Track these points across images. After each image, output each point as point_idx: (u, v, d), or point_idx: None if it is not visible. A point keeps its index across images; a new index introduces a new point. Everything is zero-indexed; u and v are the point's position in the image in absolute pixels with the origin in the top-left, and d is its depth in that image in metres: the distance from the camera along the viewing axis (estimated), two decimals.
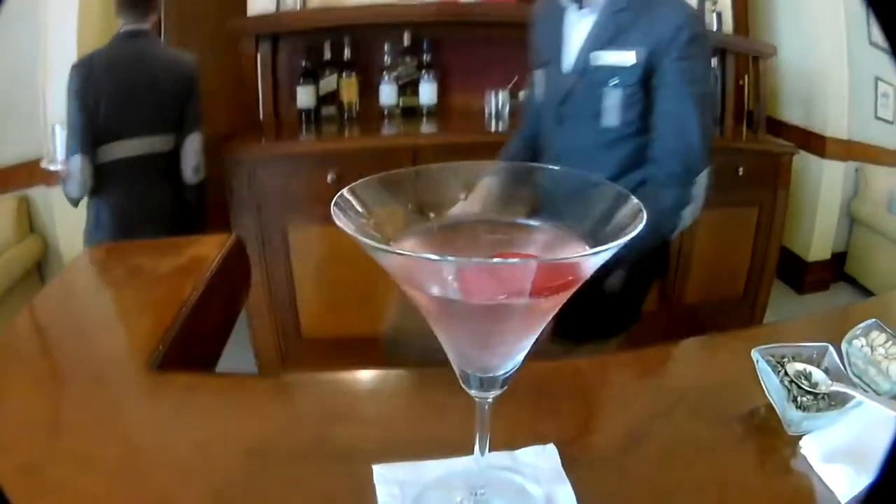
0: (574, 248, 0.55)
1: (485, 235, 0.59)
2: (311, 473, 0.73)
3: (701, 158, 1.35)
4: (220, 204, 2.37)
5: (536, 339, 0.55)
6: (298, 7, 2.65)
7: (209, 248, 1.25)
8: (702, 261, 2.66)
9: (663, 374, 0.91)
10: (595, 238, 0.54)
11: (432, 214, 0.60)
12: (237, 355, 1.39)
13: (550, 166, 0.65)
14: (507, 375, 0.57)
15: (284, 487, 0.71)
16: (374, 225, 0.55)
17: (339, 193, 0.52)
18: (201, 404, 0.85)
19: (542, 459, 0.74)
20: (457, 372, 0.58)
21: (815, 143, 2.99)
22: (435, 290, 0.48)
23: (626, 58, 1.30)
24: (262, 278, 2.42)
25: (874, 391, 0.76)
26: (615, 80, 1.33)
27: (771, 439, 0.76)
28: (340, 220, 0.50)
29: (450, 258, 0.48)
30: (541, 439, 0.77)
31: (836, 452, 0.70)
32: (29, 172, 2.53)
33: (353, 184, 0.55)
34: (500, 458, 0.74)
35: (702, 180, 1.38)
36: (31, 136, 2.48)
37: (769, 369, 0.78)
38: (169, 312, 1.01)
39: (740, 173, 2.58)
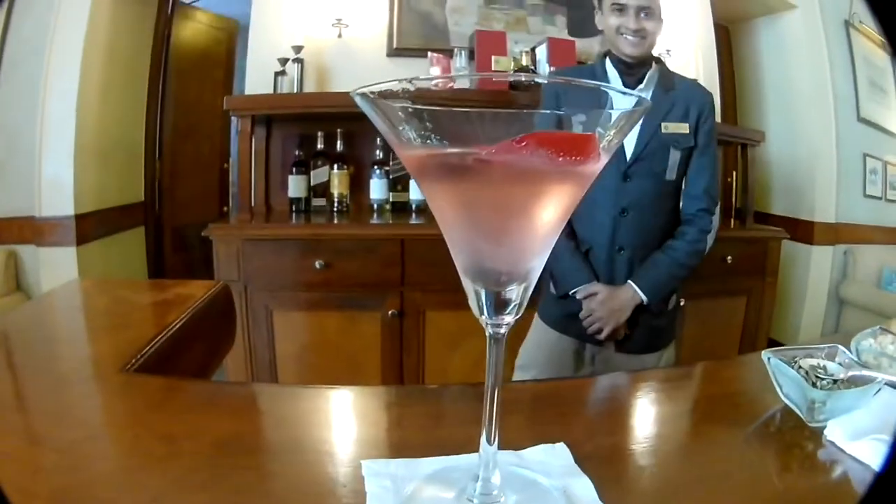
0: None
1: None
2: (290, 466, 0.65)
3: (718, 194, 1.81)
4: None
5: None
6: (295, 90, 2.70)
7: (196, 289, 1.21)
8: (690, 348, 2.63)
9: (671, 389, 0.85)
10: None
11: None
12: None
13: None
14: (520, 301, 0.52)
15: (258, 478, 0.63)
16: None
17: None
18: (176, 403, 0.78)
19: (552, 457, 0.67)
20: (470, 296, 0.53)
21: (802, 231, 3.03)
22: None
23: (683, 128, 1.73)
24: (245, 356, 2.35)
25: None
26: (677, 144, 1.72)
27: (793, 436, 0.70)
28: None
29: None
30: (548, 438, 0.70)
31: (862, 431, 0.66)
32: (20, 228, 2.49)
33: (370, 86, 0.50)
34: (506, 456, 0.67)
35: (717, 215, 1.78)
36: (24, 192, 2.45)
37: (782, 364, 0.74)
38: (149, 333, 0.95)
39: (728, 261, 2.60)
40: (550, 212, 0.48)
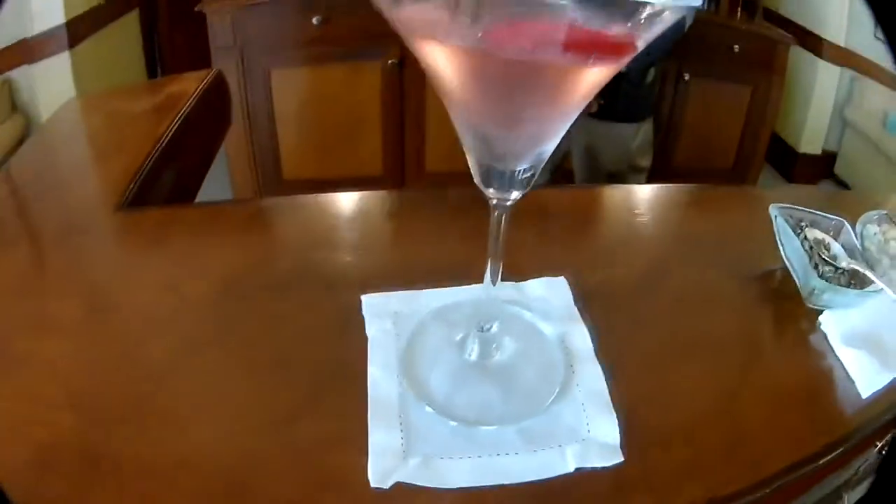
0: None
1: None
2: (291, 308, 0.65)
3: None
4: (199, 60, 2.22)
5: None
6: None
7: (189, 84, 1.14)
8: (693, 130, 2.62)
9: (680, 215, 0.83)
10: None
11: None
12: (215, 197, 1.31)
13: None
14: (530, 174, 0.48)
15: (262, 324, 0.63)
16: None
17: None
18: (172, 240, 0.76)
19: (552, 293, 0.67)
20: (474, 168, 0.48)
21: (811, 42, 2.86)
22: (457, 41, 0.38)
23: None
24: (243, 120, 2.32)
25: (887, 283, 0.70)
26: None
27: (789, 305, 0.70)
28: None
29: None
30: (550, 270, 0.70)
31: (856, 337, 0.65)
32: (12, 54, 2.35)
33: None
34: (507, 289, 0.67)
35: None
36: (16, 18, 2.29)
37: (789, 230, 0.72)
38: (142, 150, 0.91)
39: (735, 50, 2.50)
40: (572, 97, 0.42)
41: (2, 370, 0.58)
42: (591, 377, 0.59)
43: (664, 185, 0.91)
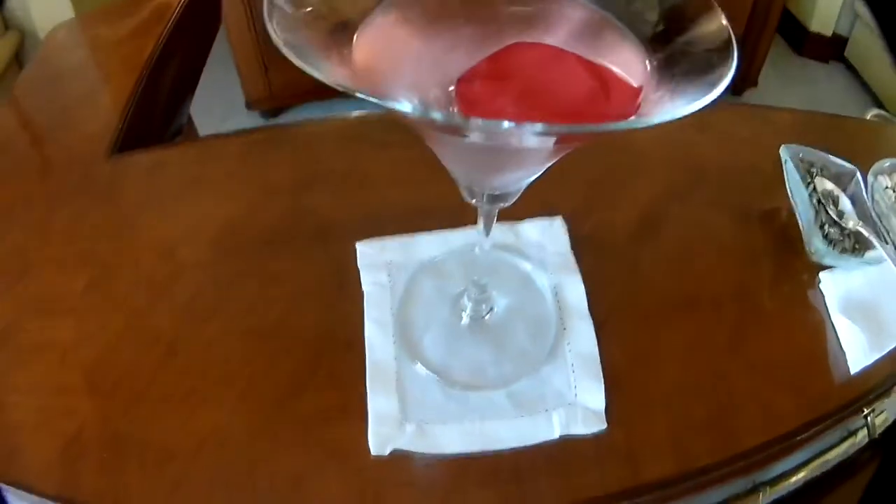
0: (611, 35, 0.42)
1: (496, 8, 0.45)
2: (287, 264, 0.65)
3: None
4: None
5: None
6: None
7: None
8: None
9: (682, 145, 0.80)
10: (638, 25, 0.41)
11: None
12: (217, 65, 1.27)
13: None
14: (518, 193, 0.47)
15: (259, 286, 0.64)
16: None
17: None
18: (164, 191, 0.75)
19: (548, 238, 0.67)
20: (463, 190, 0.48)
21: None
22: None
23: None
24: None
25: (893, 243, 0.69)
26: None
27: (790, 256, 0.69)
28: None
29: (436, 114, 0.34)
30: (547, 207, 0.69)
31: (853, 305, 0.64)
32: None
33: None
34: (502, 231, 0.67)
35: None
36: None
37: (798, 178, 0.70)
38: (128, 83, 0.87)
39: None
40: (560, 152, 0.41)
41: (15, 360, 0.59)
42: (583, 336, 0.60)
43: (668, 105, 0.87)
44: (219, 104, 2.21)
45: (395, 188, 0.73)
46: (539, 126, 0.31)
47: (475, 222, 0.53)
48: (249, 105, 2.44)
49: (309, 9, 0.39)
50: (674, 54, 0.40)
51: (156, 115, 0.96)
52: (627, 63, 0.41)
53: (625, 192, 0.74)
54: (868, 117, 1.84)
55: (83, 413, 0.55)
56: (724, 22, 0.38)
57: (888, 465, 0.75)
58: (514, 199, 0.48)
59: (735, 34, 0.37)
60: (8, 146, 0.82)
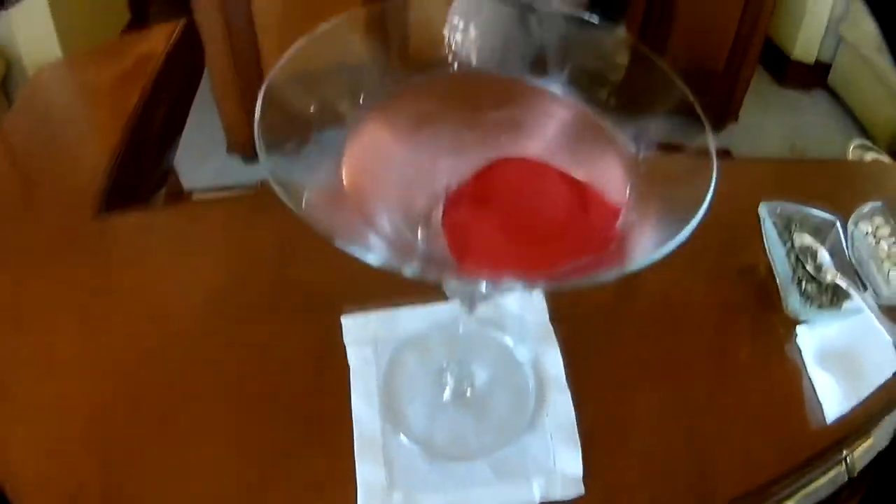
0: (596, 133, 0.45)
1: (480, 111, 0.47)
2: (274, 334, 0.67)
3: None
4: None
5: None
6: None
7: (157, 42, 1.10)
8: (684, 29, 2.50)
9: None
10: (622, 113, 0.44)
11: (406, 68, 0.48)
12: (198, 109, 1.29)
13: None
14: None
15: (248, 355, 0.66)
16: (318, 101, 0.42)
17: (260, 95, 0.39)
18: (152, 252, 0.76)
19: (527, 310, 0.69)
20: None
21: None
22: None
23: None
24: (223, 26, 2.23)
25: (873, 290, 0.72)
26: None
27: (768, 313, 0.71)
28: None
29: (408, 269, 0.36)
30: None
31: (830, 357, 0.67)
32: None
33: (279, 63, 0.41)
34: (483, 304, 0.69)
35: None
36: None
37: (776, 237, 0.73)
38: (115, 131, 0.89)
39: None
40: None
41: (12, 414, 0.61)
42: (561, 406, 0.62)
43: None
44: (199, 146, 2.22)
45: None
46: (519, 283, 0.33)
47: None
48: (230, 148, 2.46)
49: (299, 118, 0.41)
50: (654, 165, 0.42)
51: (143, 164, 0.98)
52: (609, 170, 0.43)
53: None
54: (851, 148, 1.88)
55: (84, 471, 0.57)
56: (711, 139, 0.40)
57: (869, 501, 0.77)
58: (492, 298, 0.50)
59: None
60: None
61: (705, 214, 0.37)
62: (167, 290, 0.72)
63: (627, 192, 0.43)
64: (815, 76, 2.94)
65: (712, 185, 0.39)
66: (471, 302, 0.51)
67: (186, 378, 0.64)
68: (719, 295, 0.73)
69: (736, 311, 0.72)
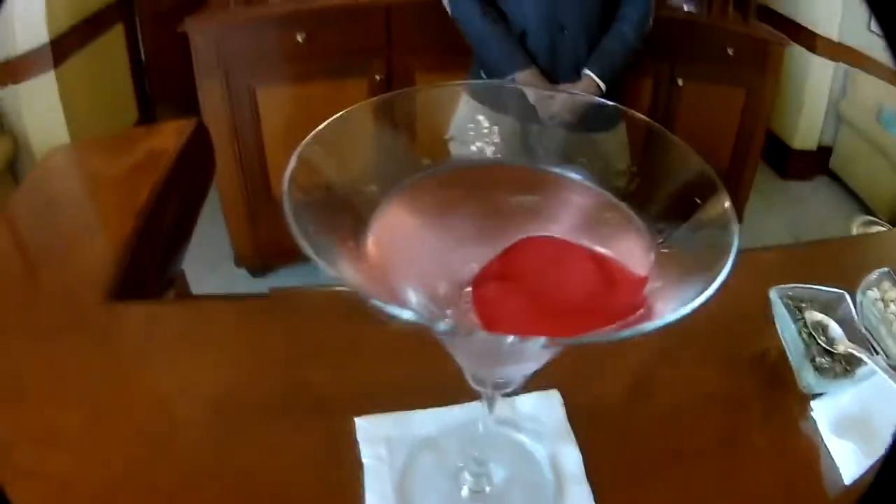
0: (616, 218, 0.45)
1: (502, 198, 0.48)
2: (286, 433, 0.66)
3: None
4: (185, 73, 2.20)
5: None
6: None
7: (168, 139, 1.13)
8: (686, 131, 2.55)
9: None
10: (640, 196, 0.45)
11: (426, 160, 0.48)
12: (207, 220, 1.31)
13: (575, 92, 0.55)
14: (528, 376, 0.49)
15: (258, 452, 0.64)
16: (341, 192, 0.43)
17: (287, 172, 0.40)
18: (159, 344, 0.76)
19: (544, 410, 0.68)
20: (466, 375, 0.49)
21: (804, 37, 2.83)
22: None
23: None
24: (231, 142, 2.30)
25: (884, 353, 0.72)
26: None
27: (781, 393, 0.71)
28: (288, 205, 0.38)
29: (442, 325, 0.37)
30: (542, 381, 0.69)
31: (845, 423, 0.67)
32: None
33: (307, 140, 0.43)
34: (501, 405, 0.67)
35: None
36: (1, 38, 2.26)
37: (787, 316, 0.73)
38: (125, 224, 0.91)
39: (730, 53, 2.46)
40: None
41: (11, 483, 0.57)
42: (579, 501, 0.60)
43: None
44: (207, 257, 2.25)
45: (392, 363, 0.73)
46: (543, 339, 0.33)
47: (471, 399, 0.54)
48: (237, 261, 2.49)
49: (325, 196, 0.41)
50: (676, 238, 0.43)
51: (152, 260, 0.99)
52: (631, 248, 0.44)
53: (617, 360, 0.75)
54: (856, 226, 1.88)
55: None
56: (728, 204, 0.41)
57: None
58: (517, 386, 0.49)
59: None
60: (1, 265, 0.85)
61: (723, 282, 0.37)
62: (175, 380, 0.72)
63: (651, 262, 0.43)
64: (816, 163, 2.99)
65: (735, 239, 0.39)
66: (493, 392, 0.50)
67: (193, 468, 0.63)
68: (732, 384, 0.73)
69: (749, 397, 0.71)
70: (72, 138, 2.44)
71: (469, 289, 0.40)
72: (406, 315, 0.34)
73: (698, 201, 0.42)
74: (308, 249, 0.35)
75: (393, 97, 0.47)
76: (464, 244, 0.43)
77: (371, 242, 0.42)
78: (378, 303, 0.34)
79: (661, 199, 0.45)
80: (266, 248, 2.46)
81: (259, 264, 2.51)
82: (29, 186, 1.06)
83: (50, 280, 0.84)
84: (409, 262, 0.43)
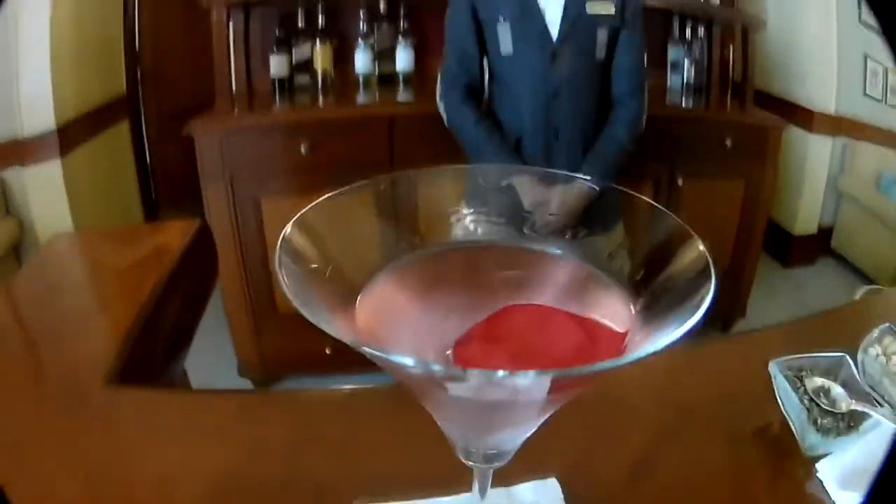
0: (597, 288, 0.46)
1: (487, 271, 0.50)
2: None
3: (646, 73, 1.85)
4: (189, 176, 2.26)
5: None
6: None
7: (173, 237, 1.16)
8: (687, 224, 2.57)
9: (670, 385, 0.83)
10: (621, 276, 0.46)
11: (417, 239, 0.50)
12: (212, 329, 1.31)
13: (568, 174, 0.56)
14: (518, 446, 0.48)
15: None
16: (332, 268, 0.44)
17: (283, 234, 0.42)
18: (159, 431, 0.76)
19: (543, 499, 0.67)
20: (457, 450, 0.49)
21: (802, 116, 2.91)
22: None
23: (608, 8, 1.72)
24: (235, 250, 2.32)
25: (889, 404, 0.71)
26: (603, 24, 1.72)
27: (786, 461, 0.70)
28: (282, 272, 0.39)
29: (436, 367, 0.38)
30: (540, 468, 0.69)
31: (852, 477, 0.66)
32: (4, 152, 2.37)
33: (303, 212, 0.45)
34: (497, 496, 0.66)
35: (646, 93, 1.82)
36: (5, 114, 2.33)
37: (788, 387, 0.72)
38: (128, 314, 0.92)
39: (728, 145, 2.51)
40: (552, 407, 0.44)
41: None
42: None
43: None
44: (211, 366, 2.25)
45: (389, 453, 0.73)
46: (532, 373, 0.34)
47: (468, 489, 0.54)
48: (241, 371, 2.48)
49: (315, 268, 0.43)
50: (655, 293, 0.44)
51: (153, 354, 0.99)
52: (613, 311, 0.45)
53: (616, 441, 0.74)
54: (859, 295, 1.88)
55: None
56: (702, 247, 0.42)
57: None
58: (509, 458, 0.49)
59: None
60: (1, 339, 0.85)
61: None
62: (173, 466, 0.71)
63: (632, 316, 0.44)
64: (818, 246, 3.00)
65: (713, 279, 0.39)
66: (486, 467, 0.50)
67: None
68: (735, 459, 0.72)
69: (753, 470, 0.70)
70: (75, 228, 2.47)
71: (450, 352, 0.41)
72: (404, 360, 0.35)
73: (673, 254, 0.44)
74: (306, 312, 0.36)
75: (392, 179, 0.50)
76: (449, 318, 0.44)
77: (360, 313, 0.43)
78: (373, 350, 0.34)
79: (644, 264, 0.46)
80: (270, 359, 2.45)
81: (263, 375, 2.50)
82: (33, 269, 1.07)
83: (51, 360, 0.85)
84: (395, 335, 0.44)
